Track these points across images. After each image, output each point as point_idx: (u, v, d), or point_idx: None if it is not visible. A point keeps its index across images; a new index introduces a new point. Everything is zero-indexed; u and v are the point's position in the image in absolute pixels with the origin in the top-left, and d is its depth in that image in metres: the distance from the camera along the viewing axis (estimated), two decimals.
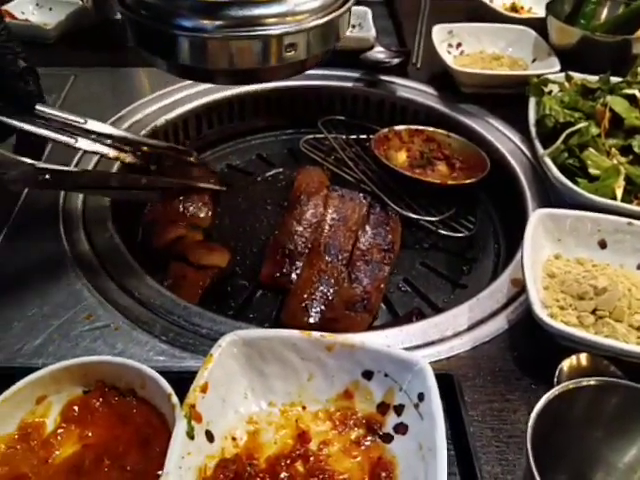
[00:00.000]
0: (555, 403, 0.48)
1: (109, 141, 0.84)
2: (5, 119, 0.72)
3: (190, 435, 0.52)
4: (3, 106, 0.72)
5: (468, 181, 1.01)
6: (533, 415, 0.47)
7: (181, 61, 0.65)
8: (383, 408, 0.59)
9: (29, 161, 0.67)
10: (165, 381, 0.56)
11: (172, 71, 0.72)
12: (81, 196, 0.89)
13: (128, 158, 0.86)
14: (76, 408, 0.58)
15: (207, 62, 0.64)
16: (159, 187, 0.89)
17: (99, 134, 0.81)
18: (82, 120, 0.79)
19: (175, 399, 0.54)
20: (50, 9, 1.40)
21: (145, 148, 0.87)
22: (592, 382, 0.50)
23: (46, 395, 0.58)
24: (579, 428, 0.51)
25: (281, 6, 0.63)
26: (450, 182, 1.02)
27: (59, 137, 0.76)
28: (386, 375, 0.59)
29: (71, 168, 0.91)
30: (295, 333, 0.60)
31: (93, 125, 0.80)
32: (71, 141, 0.77)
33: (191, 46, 0.63)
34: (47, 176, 0.69)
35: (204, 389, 0.54)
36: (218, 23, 0.61)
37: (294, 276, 0.91)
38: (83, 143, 0.78)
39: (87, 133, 0.80)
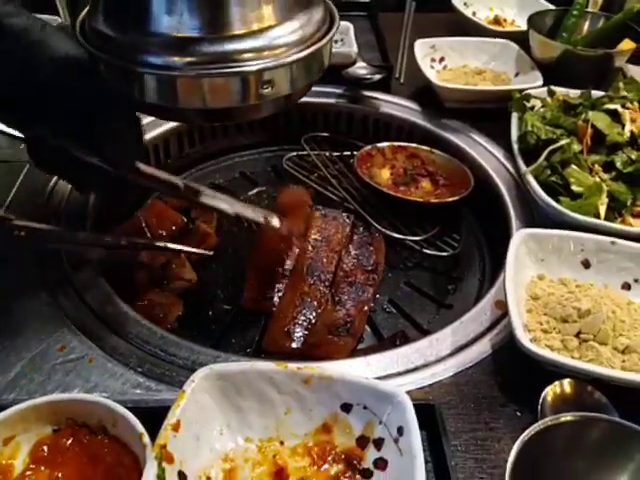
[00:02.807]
0: (534, 441, 0.47)
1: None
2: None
3: (161, 478, 0.50)
4: None
5: (451, 199, 1.00)
6: (512, 456, 0.45)
7: (149, 100, 0.60)
8: (363, 442, 0.57)
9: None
10: (136, 420, 0.54)
11: (139, 109, 0.68)
12: None
13: None
14: (45, 448, 0.56)
15: (177, 102, 0.60)
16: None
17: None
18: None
19: (147, 439, 0.53)
20: None
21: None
22: (570, 417, 0.49)
23: (14, 435, 0.56)
24: (560, 463, 0.50)
25: (257, 40, 0.58)
26: (433, 200, 1.01)
27: None
28: (365, 407, 0.57)
29: (45, 226, 0.81)
30: (271, 366, 0.58)
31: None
32: None
33: (159, 85, 0.59)
34: (22, 233, 0.71)
35: (176, 427, 0.52)
36: (188, 60, 0.57)
37: (277, 299, 0.89)
38: None
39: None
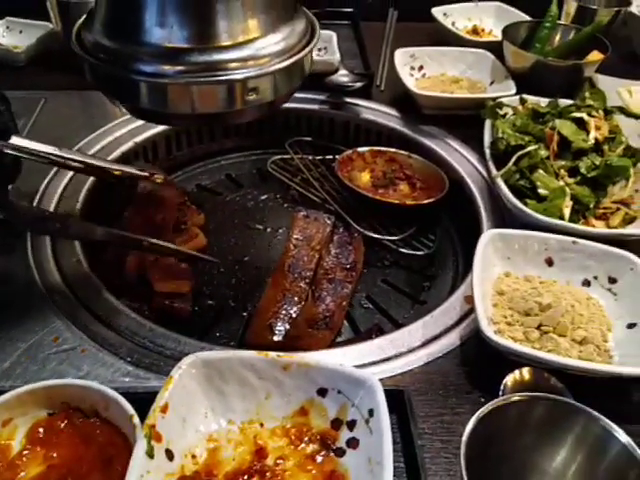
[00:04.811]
0: (488, 418, 0.52)
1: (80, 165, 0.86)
2: None
3: (150, 454, 0.54)
4: None
5: (427, 201, 1.05)
6: (465, 434, 0.50)
7: (142, 105, 0.66)
8: (337, 424, 0.62)
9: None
10: (127, 403, 0.58)
11: (133, 114, 0.74)
12: None
13: None
14: (41, 430, 0.60)
15: (168, 107, 0.65)
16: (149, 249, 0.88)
17: (71, 160, 0.82)
18: (55, 149, 0.79)
19: (137, 420, 0.57)
20: (20, 32, 1.41)
21: (117, 172, 0.88)
22: (517, 397, 0.54)
23: (12, 418, 0.60)
24: (511, 440, 0.55)
25: (243, 51, 0.64)
26: (409, 202, 1.06)
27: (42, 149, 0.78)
28: (339, 392, 0.62)
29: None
30: (253, 354, 0.63)
31: (65, 153, 0.81)
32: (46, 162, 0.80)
33: (152, 91, 0.64)
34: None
35: (164, 410, 0.57)
36: (179, 68, 0.62)
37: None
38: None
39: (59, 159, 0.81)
